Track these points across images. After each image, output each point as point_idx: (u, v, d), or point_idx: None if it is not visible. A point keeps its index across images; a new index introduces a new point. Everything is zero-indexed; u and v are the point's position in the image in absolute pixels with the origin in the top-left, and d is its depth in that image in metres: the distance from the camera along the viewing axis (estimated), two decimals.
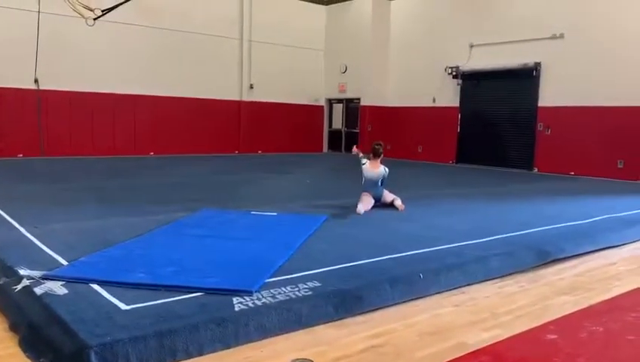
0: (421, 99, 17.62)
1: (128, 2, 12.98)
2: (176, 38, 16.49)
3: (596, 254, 5.82)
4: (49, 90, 14.59)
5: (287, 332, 3.39)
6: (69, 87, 14.89)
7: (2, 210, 6.45)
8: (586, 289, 4.57)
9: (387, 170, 7.51)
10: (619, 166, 13.32)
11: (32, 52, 13.94)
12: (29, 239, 5.04)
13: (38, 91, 14.47)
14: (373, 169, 7.45)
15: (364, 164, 7.50)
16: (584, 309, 4.08)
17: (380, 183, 7.43)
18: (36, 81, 14.38)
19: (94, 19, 12.71)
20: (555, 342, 3.42)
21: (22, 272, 3.92)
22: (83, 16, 12.49)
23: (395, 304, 3.99)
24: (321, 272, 4.19)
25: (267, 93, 18.78)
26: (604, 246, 6.05)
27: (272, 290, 3.70)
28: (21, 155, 14.27)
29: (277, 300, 3.55)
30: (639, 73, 12.83)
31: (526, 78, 14.94)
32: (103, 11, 12.81)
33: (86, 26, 12.78)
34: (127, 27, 15.32)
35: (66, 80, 14.80)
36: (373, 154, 7.51)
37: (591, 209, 8.03)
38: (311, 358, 3.06)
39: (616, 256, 5.85)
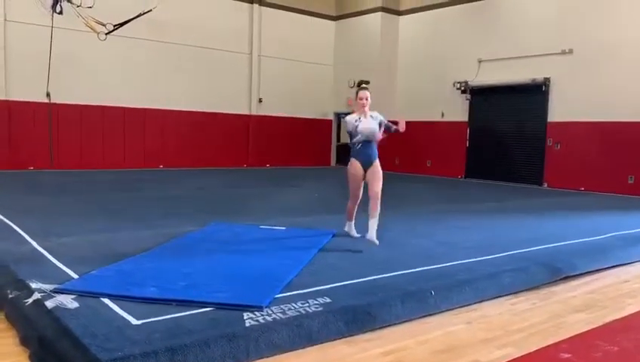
0: (430, 114, 17.63)
1: (139, 17, 13.14)
2: (186, 53, 16.64)
3: (608, 271, 5.76)
4: (60, 103, 14.75)
5: (297, 349, 3.37)
6: (80, 100, 15.05)
7: (14, 222, 6.49)
8: (599, 307, 4.52)
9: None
10: (629, 181, 13.23)
11: (45, 66, 14.09)
12: (40, 252, 5.06)
13: (49, 105, 14.62)
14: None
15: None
16: (598, 328, 4.03)
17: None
18: (48, 94, 14.53)
19: (106, 34, 12.88)
20: (569, 361, 3.37)
21: (33, 286, 3.92)
22: (95, 31, 12.66)
23: (407, 321, 3.95)
24: (331, 288, 4.17)
25: (276, 108, 18.87)
26: (617, 264, 5.99)
27: (282, 306, 3.68)
28: (32, 168, 14.39)
29: (287, 316, 3.53)
30: None
31: (535, 93, 14.94)
32: (114, 26, 12.97)
33: (98, 41, 12.94)
34: (138, 42, 15.48)
35: (77, 93, 14.95)
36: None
37: (602, 225, 7.96)
38: None
39: (628, 273, 5.79)
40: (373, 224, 5.77)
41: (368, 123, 5.99)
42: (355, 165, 5.99)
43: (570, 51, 14.25)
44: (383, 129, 6.10)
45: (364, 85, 6.21)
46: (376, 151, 6.04)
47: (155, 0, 12.99)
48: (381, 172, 6.00)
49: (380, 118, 6.12)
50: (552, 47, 14.55)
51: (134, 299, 3.70)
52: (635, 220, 8.68)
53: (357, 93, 6.08)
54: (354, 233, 6.32)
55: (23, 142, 14.34)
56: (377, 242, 5.62)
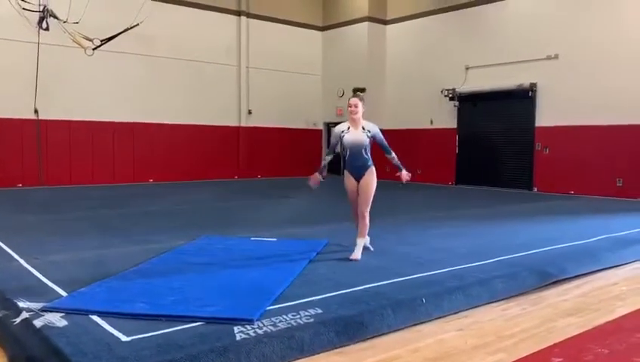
0: (419, 122, 17.74)
1: (126, 32, 13.15)
2: (174, 66, 16.65)
3: (598, 274, 5.79)
4: (48, 119, 14.68)
5: (289, 361, 3.35)
6: (68, 116, 14.98)
7: (1, 241, 6.42)
8: (589, 311, 4.54)
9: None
10: (618, 184, 13.34)
11: (32, 82, 14.06)
12: (29, 270, 5.01)
13: (37, 121, 14.55)
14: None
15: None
16: (588, 331, 4.04)
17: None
18: (36, 111, 14.46)
19: (93, 49, 12.88)
20: None
21: (21, 304, 3.88)
22: (82, 47, 12.65)
23: (399, 329, 3.95)
24: (322, 298, 4.16)
25: (265, 119, 18.90)
26: (606, 267, 6.02)
27: (273, 318, 3.67)
28: (20, 185, 14.28)
29: (278, 328, 3.51)
30: (634, 91, 12.95)
31: (522, 98, 15.06)
32: (101, 41, 12.98)
33: (85, 56, 12.94)
34: (125, 56, 15.47)
35: (66, 109, 14.89)
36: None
37: (591, 228, 8.01)
38: None
39: (617, 275, 5.82)
40: (359, 243, 5.69)
41: (356, 135, 5.62)
42: (347, 178, 5.77)
43: (556, 56, 14.40)
44: (379, 145, 5.74)
45: (358, 93, 5.83)
46: (367, 162, 5.66)
47: (141, 14, 13.01)
48: (372, 185, 5.66)
49: (375, 131, 5.70)
50: (537, 53, 14.70)
51: (124, 316, 3.68)
52: (624, 222, 8.75)
53: (349, 100, 5.75)
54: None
55: (11, 160, 14.24)
56: (358, 258, 5.56)
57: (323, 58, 20.37)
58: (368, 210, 5.72)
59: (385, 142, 5.79)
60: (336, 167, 20.09)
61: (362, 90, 5.68)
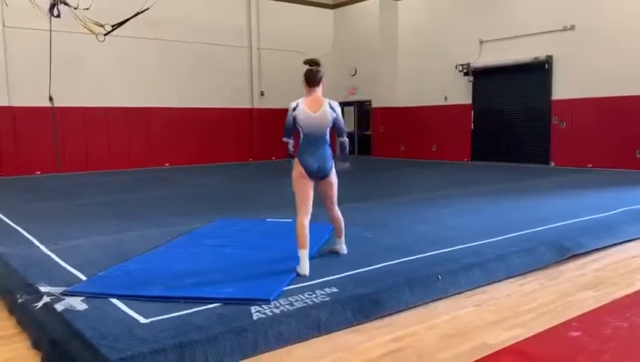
0: (433, 98, 17.55)
1: (137, 16, 13.12)
2: (185, 50, 16.62)
3: (616, 248, 5.73)
4: (64, 106, 14.79)
5: (305, 340, 3.38)
6: (83, 103, 15.08)
7: (22, 227, 6.54)
8: (607, 284, 4.50)
9: (337, 109, 4.72)
10: (637, 156, 13.12)
11: (46, 70, 14.13)
12: (49, 256, 5.09)
13: (52, 108, 14.67)
14: (313, 111, 4.69)
15: (294, 108, 4.75)
16: (607, 304, 4.01)
17: (326, 139, 4.69)
18: (51, 98, 14.58)
19: (105, 34, 12.88)
20: (578, 339, 3.37)
21: (42, 289, 3.96)
22: (93, 33, 12.66)
23: (415, 306, 3.96)
24: (338, 278, 4.18)
25: (278, 100, 18.75)
26: (625, 240, 5.95)
27: (289, 298, 3.70)
28: (39, 172, 14.47)
29: (295, 307, 3.54)
30: None
31: (538, 71, 14.81)
32: (112, 27, 12.97)
33: (97, 42, 12.95)
34: (137, 41, 15.46)
35: (80, 96, 14.98)
36: (309, 83, 4.79)
37: (609, 201, 7.91)
38: None
39: (636, 248, 5.75)
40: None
41: None
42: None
43: (572, 27, 14.10)
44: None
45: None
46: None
47: None
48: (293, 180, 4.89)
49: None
50: (553, 24, 14.40)
51: (142, 298, 3.73)
52: None
53: None
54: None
55: (29, 148, 14.41)
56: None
57: (334, 36, 20.17)
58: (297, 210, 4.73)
59: (286, 126, 4.88)
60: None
61: (309, 61, 4.94)
